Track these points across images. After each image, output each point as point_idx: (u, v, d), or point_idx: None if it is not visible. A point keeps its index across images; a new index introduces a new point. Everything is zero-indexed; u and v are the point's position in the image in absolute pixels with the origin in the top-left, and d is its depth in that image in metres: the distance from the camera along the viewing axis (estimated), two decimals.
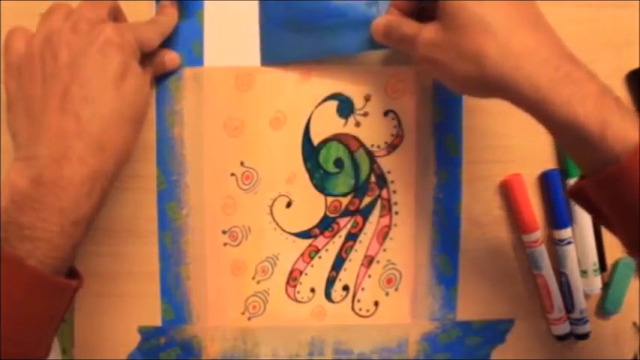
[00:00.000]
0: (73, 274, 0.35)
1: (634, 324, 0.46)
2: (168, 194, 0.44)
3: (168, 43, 0.41)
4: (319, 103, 0.44)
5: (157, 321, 0.45)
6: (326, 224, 0.44)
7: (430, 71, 0.36)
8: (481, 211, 0.45)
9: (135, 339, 0.45)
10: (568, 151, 0.34)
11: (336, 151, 0.44)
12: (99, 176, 0.34)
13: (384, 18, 0.39)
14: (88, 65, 0.34)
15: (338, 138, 0.44)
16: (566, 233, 0.44)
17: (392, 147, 0.44)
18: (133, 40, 0.36)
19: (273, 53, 0.43)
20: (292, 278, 0.45)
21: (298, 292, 0.45)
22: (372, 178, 0.44)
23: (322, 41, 0.41)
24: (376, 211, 0.45)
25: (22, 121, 0.34)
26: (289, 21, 0.41)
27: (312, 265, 0.45)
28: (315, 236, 0.45)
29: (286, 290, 0.45)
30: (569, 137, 0.32)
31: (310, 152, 0.44)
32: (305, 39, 0.41)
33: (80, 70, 0.34)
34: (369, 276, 0.45)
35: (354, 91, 0.44)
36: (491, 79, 0.33)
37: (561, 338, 0.46)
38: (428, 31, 0.35)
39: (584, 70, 0.32)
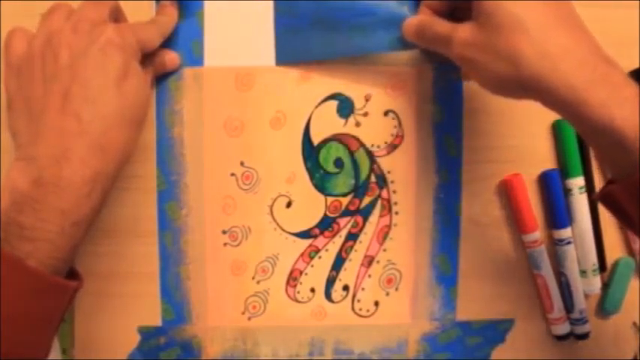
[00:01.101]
0: (72, 274, 0.35)
1: (634, 324, 0.46)
2: (168, 194, 0.44)
3: (168, 43, 0.41)
4: (319, 103, 0.44)
5: (157, 321, 0.45)
6: (326, 224, 0.44)
7: (465, 71, 0.36)
8: (481, 211, 0.45)
9: (135, 339, 0.45)
10: (599, 154, 0.34)
11: (336, 151, 0.44)
12: (100, 177, 0.34)
13: (417, 17, 0.39)
14: (89, 65, 0.34)
15: (338, 138, 0.44)
16: (566, 233, 0.44)
17: (392, 147, 0.44)
18: (134, 40, 0.36)
19: (292, 52, 0.42)
20: (292, 278, 0.45)
21: (298, 292, 0.45)
22: (372, 178, 0.44)
23: (351, 40, 0.41)
24: (376, 211, 0.45)
25: (22, 121, 0.34)
26: (317, 20, 0.41)
27: (312, 265, 0.45)
28: (315, 236, 0.45)
29: (286, 290, 0.45)
30: (603, 140, 0.31)
31: (310, 152, 0.44)
32: (333, 37, 0.41)
33: (81, 71, 0.34)
34: (369, 276, 0.45)
35: (354, 91, 0.44)
36: (526, 80, 0.32)
37: (561, 338, 0.46)
38: (463, 31, 0.35)
39: (620, 73, 0.32)
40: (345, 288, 0.45)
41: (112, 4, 0.37)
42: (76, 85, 0.33)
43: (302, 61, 0.43)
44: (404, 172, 0.44)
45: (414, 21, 0.39)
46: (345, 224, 0.45)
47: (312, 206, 0.44)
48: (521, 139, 0.45)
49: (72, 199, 0.33)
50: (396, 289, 0.45)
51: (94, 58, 0.34)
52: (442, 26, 0.37)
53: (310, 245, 0.45)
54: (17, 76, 0.35)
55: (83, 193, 0.33)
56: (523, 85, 0.33)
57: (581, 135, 0.33)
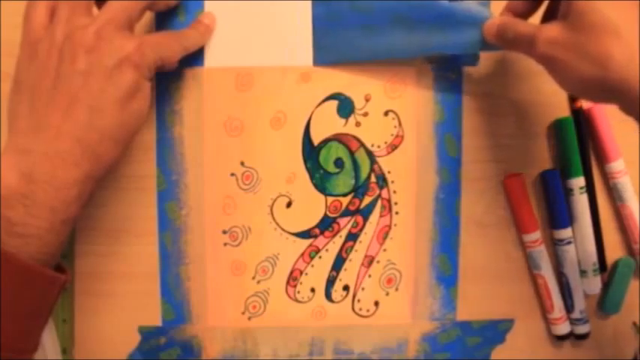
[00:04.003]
0: (59, 269, 0.35)
1: (634, 324, 0.46)
2: (168, 194, 0.44)
3: None
4: (319, 103, 0.44)
5: (157, 321, 0.45)
6: (326, 224, 0.44)
7: (549, 71, 0.36)
8: (481, 211, 0.45)
9: (135, 339, 0.45)
10: None
11: (337, 151, 0.44)
12: (89, 180, 0.34)
13: (499, 18, 0.38)
14: (102, 78, 0.34)
15: (338, 138, 0.44)
16: (566, 233, 0.44)
17: (392, 147, 0.44)
18: (152, 59, 0.36)
19: (335, 52, 0.43)
20: (292, 278, 0.45)
21: (298, 292, 0.45)
22: (373, 178, 0.44)
23: (430, 40, 0.40)
24: (376, 211, 0.45)
25: (24, 108, 0.34)
26: (394, 19, 0.40)
27: (312, 265, 0.45)
28: (316, 236, 0.45)
29: (286, 290, 0.45)
30: None
31: (310, 152, 0.44)
32: (410, 37, 0.41)
33: (93, 81, 0.34)
34: (370, 276, 0.45)
35: (354, 91, 0.44)
36: (612, 83, 0.32)
37: (561, 338, 0.46)
38: (550, 30, 0.34)
39: None
40: (345, 288, 0.45)
41: (141, 4, 0.37)
42: (85, 92, 0.34)
43: (346, 61, 0.43)
44: (404, 172, 0.44)
45: (495, 21, 0.38)
46: (346, 224, 0.45)
47: (312, 206, 0.44)
48: (521, 139, 0.45)
49: (62, 198, 0.33)
50: (396, 289, 0.45)
51: (109, 73, 0.34)
52: (525, 26, 0.36)
53: (310, 245, 0.45)
54: (31, 57, 0.35)
55: (73, 194, 0.33)
56: (608, 88, 0.32)
57: None
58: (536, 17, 0.39)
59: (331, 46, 0.43)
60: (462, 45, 0.40)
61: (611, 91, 0.32)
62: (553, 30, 0.34)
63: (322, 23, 0.42)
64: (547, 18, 0.38)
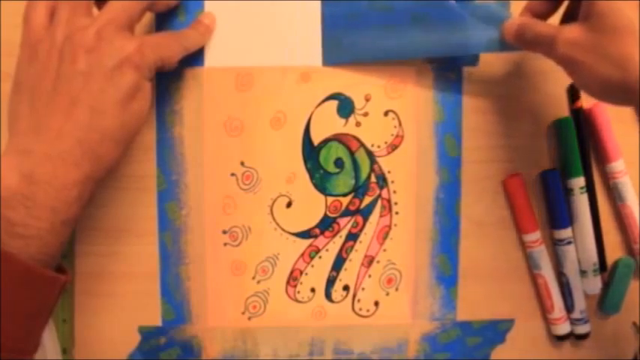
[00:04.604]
0: (59, 270, 0.35)
1: (634, 324, 0.46)
2: (168, 194, 0.44)
3: None
4: (319, 103, 0.44)
5: (157, 321, 0.45)
6: (326, 224, 0.44)
7: (568, 73, 0.36)
8: (481, 211, 0.45)
9: (135, 339, 0.45)
10: None
11: (337, 151, 0.44)
12: (90, 181, 0.34)
13: (518, 18, 0.38)
14: (103, 79, 0.34)
15: (338, 138, 0.44)
16: (566, 233, 0.44)
17: (392, 147, 0.44)
18: (152, 60, 0.36)
19: (346, 52, 0.42)
20: (292, 278, 0.45)
21: (298, 292, 0.45)
22: (373, 178, 0.44)
23: (448, 40, 0.40)
24: (376, 211, 0.45)
25: (24, 109, 0.34)
26: (417, 17, 0.40)
27: (312, 265, 0.45)
28: (316, 236, 0.45)
29: (286, 290, 0.45)
30: None
31: (310, 152, 0.44)
32: (429, 37, 0.41)
33: (94, 82, 0.34)
34: (370, 276, 0.45)
35: (355, 91, 0.44)
36: (631, 84, 0.32)
37: (561, 338, 0.46)
38: (570, 31, 0.34)
39: None
40: (346, 288, 0.45)
41: (141, 5, 0.37)
42: (86, 93, 0.34)
43: (359, 61, 0.43)
44: (404, 172, 0.44)
45: (515, 21, 0.38)
46: (346, 224, 0.45)
47: (312, 206, 0.44)
48: (521, 139, 0.45)
49: (63, 198, 0.33)
50: (396, 289, 0.45)
51: (109, 74, 0.34)
52: (545, 27, 0.36)
53: (310, 245, 0.45)
54: (31, 58, 0.35)
55: (74, 195, 0.33)
56: (628, 90, 0.32)
57: None
58: (556, 18, 0.39)
59: (345, 45, 0.43)
60: (481, 45, 0.40)
61: (630, 92, 0.32)
62: (573, 31, 0.34)
63: (336, 23, 0.42)
64: (567, 19, 0.38)
